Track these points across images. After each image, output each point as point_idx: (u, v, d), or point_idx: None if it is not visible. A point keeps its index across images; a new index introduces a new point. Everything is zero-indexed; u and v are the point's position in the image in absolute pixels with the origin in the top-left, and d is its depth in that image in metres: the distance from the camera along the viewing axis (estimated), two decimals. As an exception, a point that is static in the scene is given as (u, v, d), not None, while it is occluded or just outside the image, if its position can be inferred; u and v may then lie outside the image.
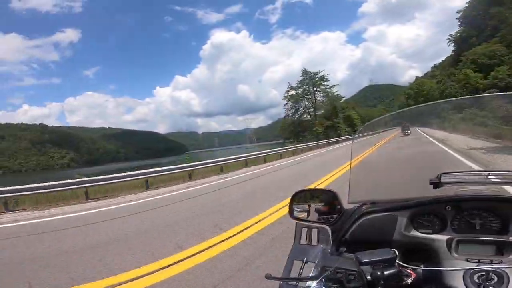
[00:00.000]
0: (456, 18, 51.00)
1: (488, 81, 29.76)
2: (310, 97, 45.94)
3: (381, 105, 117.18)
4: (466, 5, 48.19)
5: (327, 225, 1.01)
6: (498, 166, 2.81)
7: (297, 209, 1.12)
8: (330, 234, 1.00)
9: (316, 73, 45.61)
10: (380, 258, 0.71)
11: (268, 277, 0.71)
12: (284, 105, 46.94)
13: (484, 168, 1.62)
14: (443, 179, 1.05)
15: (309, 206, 1.12)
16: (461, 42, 47.91)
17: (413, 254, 0.91)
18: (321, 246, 0.97)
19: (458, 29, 51.13)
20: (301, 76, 46.27)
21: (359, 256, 0.72)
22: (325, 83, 45.45)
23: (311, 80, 45.31)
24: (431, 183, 1.06)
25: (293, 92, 46.06)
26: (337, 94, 46.27)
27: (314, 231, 1.02)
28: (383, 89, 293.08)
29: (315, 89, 45.60)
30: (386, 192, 1.35)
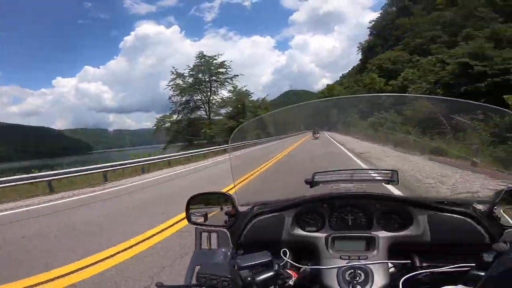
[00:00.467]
0: (368, 28, 56.09)
1: (398, 82, 28.93)
2: (205, 88, 34.37)
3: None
4: (379, 15, 53.97)
5: (225, 228, 1.02)
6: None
7: (194, 214, 1.09)
8: (229, 237, 1.00)
9: (214, 58, 33.83)
10: (257, 262, 0.74)
11: (158, 285, 0.67)
12: (169, 98, 33.94)
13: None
14: (316, 178, 1.09)
15: (206, 210, 1.10)
16: (368, 51, 51.56)
17: (302, 253, 0.94)
18: (223, 249, 0.96)
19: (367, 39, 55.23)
20: (196, 60, 33.97)
21: (238, 260, 0.75)
22: (227, 73, 34.24)
23: (207, 67, 33.53)
24: (306, 182, 1.10)
25: (180, 81, 33.58)
26: (246, 90, 35.89)
27: (214, 235, 1.02)
28: (301, 94, 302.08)
29: (212, 78, 33.88)
30: (276, 192, 1.38)
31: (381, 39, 48.09)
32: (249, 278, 0.69)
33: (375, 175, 1.08)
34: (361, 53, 57.41)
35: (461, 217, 0.89)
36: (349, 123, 2.77)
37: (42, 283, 2.86)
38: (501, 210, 0.90)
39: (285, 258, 0.85)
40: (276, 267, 0.79)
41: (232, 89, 34.94)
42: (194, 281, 0.71)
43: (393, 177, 1.04)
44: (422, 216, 0.91)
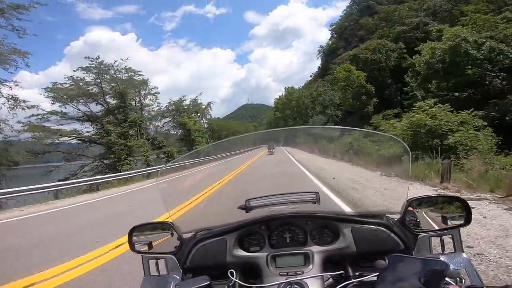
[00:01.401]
0: (329, 30, 55.63)
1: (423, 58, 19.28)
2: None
3: (255, 122, 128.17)
4: (341, 15, 53.48)
5: (172, 254, 1.02)
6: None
7: (138, 242, 1.08)
8: (177, 262, 1.01)
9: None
10: (196, 286, 0.76)
11: None
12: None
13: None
14: (250, 204, 1.14)
15: (150, 237, 1.11)
16: (328, 54, 50.98)
17: (250, 273, 0.98)
18: (173, 275, 0.97)
19: (328, 42, 54.77)
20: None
21: (178, 286, 0.79)
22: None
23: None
24: (241, 208, 1.15)
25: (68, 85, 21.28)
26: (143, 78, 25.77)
27: (161, 261, 1.04)
28: (257, 108, 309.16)
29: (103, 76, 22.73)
30: (217, 217, 1.45)
31: (343, 40, 47.63)
32: None
33: (302, 197, 1.16)
34: (321, 57, 56.13)
35: (376, 227, 1.00)
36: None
37: None
38: (422, 214, 1.03)
39: (232, 278, 0.90)
40: (221, 287, 0.84)
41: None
42: None
43: (316, 198, 1.14)
44: (346, 229, 1.00)
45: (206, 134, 33.15)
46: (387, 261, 0.70)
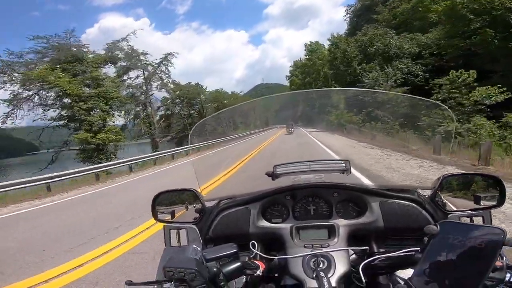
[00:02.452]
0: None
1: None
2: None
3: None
4: None
5: (193, 225, 1.01)
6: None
7: (161, 211, 1.09)
8: (199, 233, 1.00)
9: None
10: (223, 254, 0.75)
11: (128, 283, 0.70)
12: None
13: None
14: (276, 171, 1.10)
15: (173, 207, 1.11)
16: (360, 15, 36.20)
17: (271, 244, 0.97)
18: (193, 245, 0.91)
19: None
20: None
21: (204, 253, 0.75)
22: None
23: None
24: (268, 175, 1.11)
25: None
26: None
27: (183, 231, 1.01)
28: (272, 87, 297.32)
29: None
30: (241, 187, 1.40)
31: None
32: (215, 269, 0.71)
33: (331, 165, 1.11)
34: (349, 20, 38.72)
35: (407, 202, 0.95)
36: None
37: None
38: (442, 196, 0.97)
39: (254, 250, 0.88)
40: (243, 258, 0.82)
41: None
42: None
43: (346, 167, 1.08)
44: (375, 203, 0.96)
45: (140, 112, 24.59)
46: (438, 227, 0.66)
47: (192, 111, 30.21)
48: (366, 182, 3.23)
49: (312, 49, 35.69)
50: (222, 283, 0.70)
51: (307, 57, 35.31)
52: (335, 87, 21.73)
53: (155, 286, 0.76)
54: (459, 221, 0.84)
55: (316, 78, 32.58)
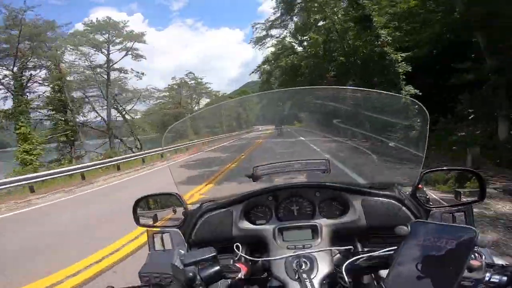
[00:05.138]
0: None
1: None
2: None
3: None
4: None
5: (176, 228, 1.00)
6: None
7: (143, 216, 1.07)
8: (182, 236, 0.99)
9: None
10: (201, 258, 0.73)
11: None
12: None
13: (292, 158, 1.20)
14: (257, 172, 1.09)
15: (156, 211, 1.10)
16: None
17: (255, 246, 0.96)
18: (178, 249, 0.92)
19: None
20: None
21: (182, 258, 0.74)
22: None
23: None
24: (247, 177, 1.11)
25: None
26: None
27: (167, 235, 0.99)
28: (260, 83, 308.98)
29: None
30: (223, 189, 1.42)
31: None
32: (190, 274, 0.69)
33: (311, 165, 1.11)
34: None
35: (388, 200, 0.95)
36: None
37: None
38: (426, 192, 0.99)
39: (238, 252, 0.87)
40: (227, 261, 0.80)
41: None
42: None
43: (326, 167, 1.08)
44: (356, 202, 0.96)
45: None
46: (409, 227, 0.65)
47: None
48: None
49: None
50: None
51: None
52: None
53: None
54: (431, 221, 0.83)
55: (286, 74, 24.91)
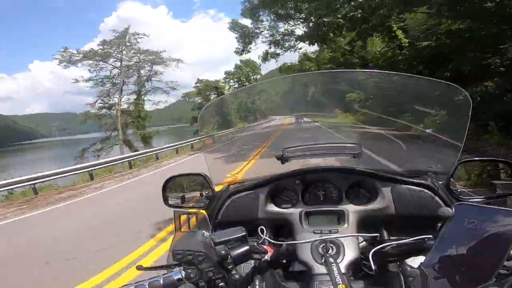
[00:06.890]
0: None
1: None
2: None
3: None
4: None
5: (202, 209, 1.02)
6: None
7: (171, 196, 1.10)
8: (208, 218, 0.97)
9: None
10: (231, 237, 0.73)
11: (139, 267, 0.68)
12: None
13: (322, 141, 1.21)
14: (286, 154, 1.07)
15: (183, 191, 1.12)
16: None
17: (280, 230, 0.96)
18: (203, 231, 0.85)
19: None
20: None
21: (213, 236, 0.73)
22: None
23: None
24: (277, 158, 1.09)
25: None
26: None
27: (193, 216, 0.98)
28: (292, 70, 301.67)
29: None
30: (251, 171, 1.46)
31: None
32: (223, 252, 0.70)
33: (342, 149, 1.09)
34: None
35: (420, 188, 0.92)
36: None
37: None
38: (457, 185, 0.94)
39: (262, 235, 0.86)
40: (251, 243, 0.80)
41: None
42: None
43: (357, 152, 1.04)
44: (386, 189, 0.93)
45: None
46: (453, 209, 0.62)
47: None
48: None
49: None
50: (230, 267, 0.69)
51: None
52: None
53: (165, 270, 0.73)
54: (479, 204, 0.82)
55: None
